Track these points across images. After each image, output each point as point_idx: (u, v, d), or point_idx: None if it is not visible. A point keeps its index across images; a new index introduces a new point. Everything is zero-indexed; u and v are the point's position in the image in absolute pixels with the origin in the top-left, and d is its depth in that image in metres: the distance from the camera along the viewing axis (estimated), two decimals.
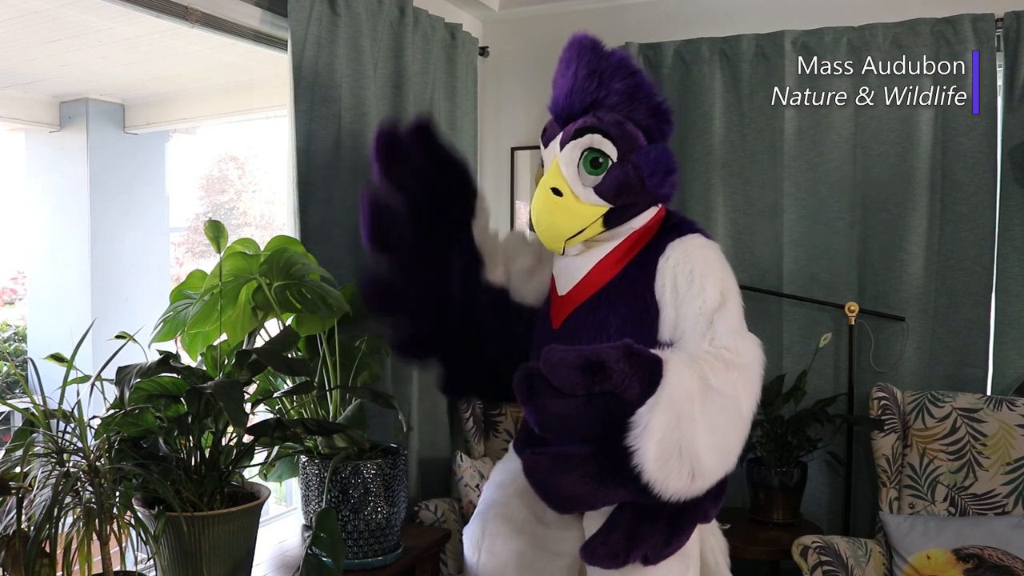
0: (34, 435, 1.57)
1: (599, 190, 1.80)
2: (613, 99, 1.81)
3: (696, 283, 1.75)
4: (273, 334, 1.95)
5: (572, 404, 1.56)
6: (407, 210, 1.99)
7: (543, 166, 1.93)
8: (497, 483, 2.03)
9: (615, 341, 1.73)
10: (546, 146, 1.88)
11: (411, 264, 2.00)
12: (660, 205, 1.91)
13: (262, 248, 2.06)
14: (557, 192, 1.80)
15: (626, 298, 1.83)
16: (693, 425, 1.58)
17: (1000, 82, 2.63)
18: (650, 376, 1.57)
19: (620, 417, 1.57)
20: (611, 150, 1.79)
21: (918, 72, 2.67)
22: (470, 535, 1.99)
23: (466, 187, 2.04)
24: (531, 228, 2.00)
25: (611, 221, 1.83)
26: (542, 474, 1.60)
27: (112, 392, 1.64)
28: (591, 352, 1.56)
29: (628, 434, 1.55)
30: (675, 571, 1.74)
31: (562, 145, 1.81)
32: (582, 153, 1.80)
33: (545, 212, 1.81)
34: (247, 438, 1.78)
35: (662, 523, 1.66)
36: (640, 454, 1.54)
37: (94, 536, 1.49)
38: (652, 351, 1.63)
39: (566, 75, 1.84)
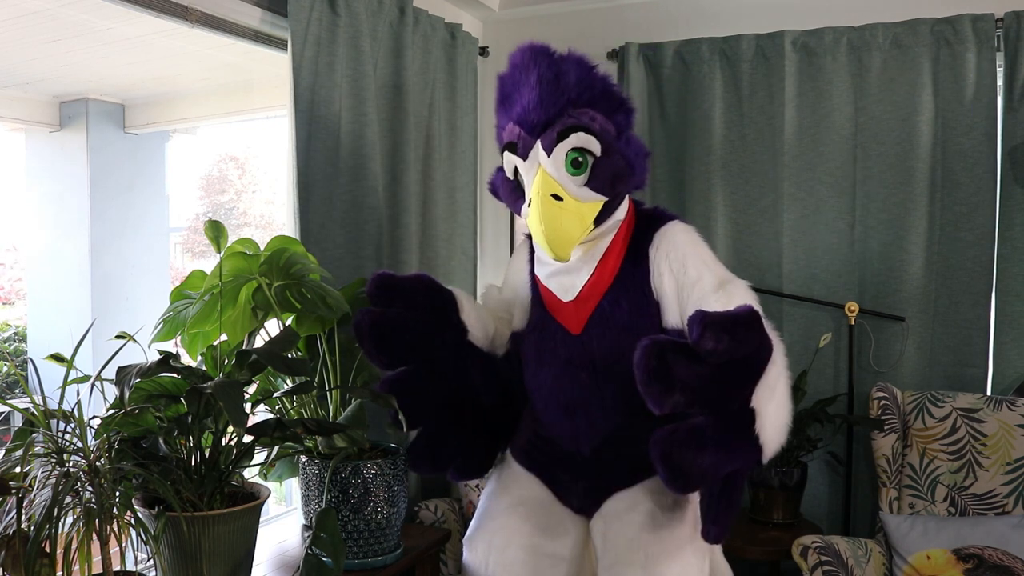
0: (34, 435, 1.57)
1: (593, 185, 1.80)
2: (585, 96, 1.81)
3: (692, 271, 1.82)
4: (273, 334, 1.95)
5: (705, 373, 1.53)
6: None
7: (517, 178, 1.90)
8: (497, 492, 2.02)
9: (623, 335, 1.79)
10: (525, 158, 1.84)
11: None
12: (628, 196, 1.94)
13: (262, 248, 2.06)
14: (558, 198, 1.78)
15: (626, 292, 1.84)
16: (788, 384, 1.67)
17: (1000, 82, 2.63)
18: (766, 338, 1.62)
19: (742, 382, 1.58)
20: (595, 146, 1.80)
21: (918, 72, 2.68)
22: (473, 547, 1.96)
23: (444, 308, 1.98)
24: (529, 238, 2.00)
25: (600, 217, 1.83)
26: (680, 452, 1.53)
27: (112, 392, 1.64)
28: (733, 314, 1.57)
29: (753, 398, 1.58)
30: (695, 563, 1.75)
31: (549, 151, 1.80)
32: (566, 155, 1.79)
33: (553, 220, 1.77)
34: (247, 438, 1.78)
35: (740, 485, 1.72)
36: (763, 417, 1.58)
37: (94, 536, 1.49)
38: None
39: (528, 83, 1.82)
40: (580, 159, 1.79)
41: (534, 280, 2.01)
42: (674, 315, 1.82)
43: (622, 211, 1.90)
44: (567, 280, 1.91)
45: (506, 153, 1.90)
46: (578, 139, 1.78)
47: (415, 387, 1.95)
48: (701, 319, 1.51)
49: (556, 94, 1.80)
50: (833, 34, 2.75)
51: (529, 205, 1.82)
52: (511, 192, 1.93)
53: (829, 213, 2.81)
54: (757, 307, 1.71)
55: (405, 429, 1.85)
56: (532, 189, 1.82)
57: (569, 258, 1.83)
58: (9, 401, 1.70)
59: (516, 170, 1.89)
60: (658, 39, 2.99)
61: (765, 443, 1.60)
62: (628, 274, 1.86)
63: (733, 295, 1.76)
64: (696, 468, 1.55)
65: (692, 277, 1.80)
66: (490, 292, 2.20)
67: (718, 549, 2.03)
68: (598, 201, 1.81)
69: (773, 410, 1.60)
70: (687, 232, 1.89)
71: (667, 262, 1.83)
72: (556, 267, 1.92)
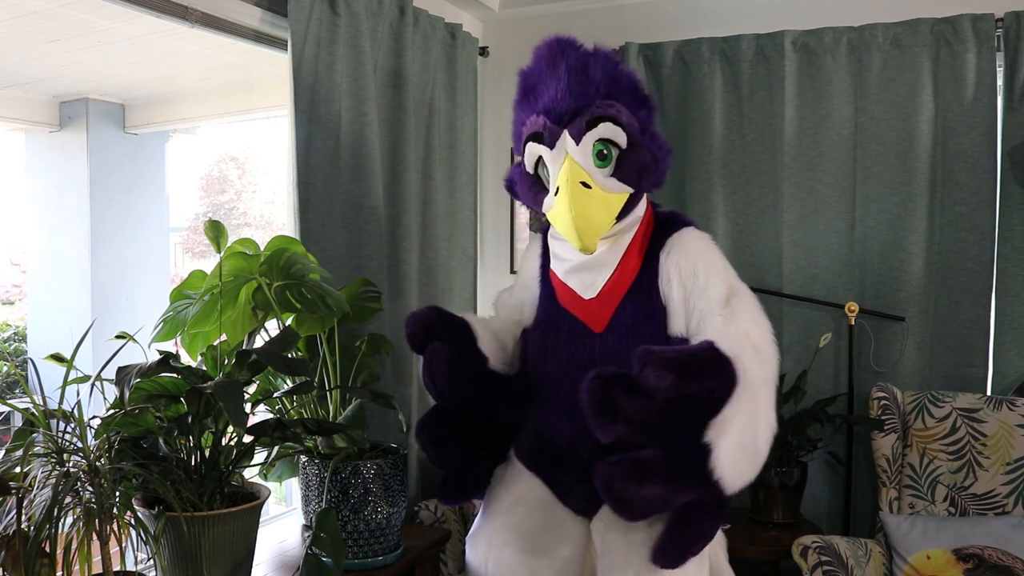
0: (34, 435, 1.57)
1: (621, 176, 1.80)
2: (612, 89, 1.82)
3: (702, 278, 1.78)
4: (273, 334, 1.95)
5: (653, 407, 1.54)
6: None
7: (544, 168, 1.89)
8: (499, 491, 2.02)
9: (626, 337, 1.77)
10: (552, 147, 1.83)
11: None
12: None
13: (262, 248, 2.06)
14: (586, 186, 1.77)
15: (633, 295, 1.83)
16: (755, 419, 1.60)
17: (1000, 82, 2.63)
18: (727, 375, 1.58)
19: (695, 417, 1.56)
20: (621, 138, 1.79)
21: (918, 72, 2.68)
22: (475, 545, 1.96)
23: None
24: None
25: (622, 211, 1.83)
26: (622, 483, 1.56)
27: (112, 392, 1.64)
28: (685, 353, 1.56)
29: (706, 433, 1.55)
30: (692, 571, 1.75)
31: (577, 140, 1.79)
32: (593, 145, 1.79)
33: (583, 208, 1.75)
34: (247, 438, 1.78)
35: (716, 515, 1.70)
36: (717, 452, 1.55)
37: (94, 536, 1.49)
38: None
39: (555, 74, 1.82)
40: (605, 151, 1.79)
41: (544, 276, 2.00)
42: (680, 323, 1.79)
43: (641, 208, 1.90)
44: (588, 277, 1.89)
45: (530, 144, 1.86)
46: (606, 129, 1.78)
47: (444, 429, 1.94)
48: (643, 355, 1.51)
49: (584, 84, 1.80)
50: (833, 34, 2.75)
51: (556, 195, 1.80)
52: (531, 187, 1.91)
53: (829, 213, 2.81)
54: (758, 328, 1.71)
55: (405, 428, 1.84)
56: (560, 178, 1.79)
57: (596, 248, 1.81)
58: (9, 401, 1.70)
59: (537, 164, 1.88)
60: (658, 39, 2.99)
61: (721, 479, 1.56)
62: (639, 277, 1.85)
63: (737, 312, 1.73)
64: (639, 499, 1.56)
65: (701, 286, 1.78)
66: (501, 299, 2.18)
67: (723, 556, 2.02)
68: (624, 192, 1.81)
69: (729, 446, 1.55)
70: (701, 239, 1.86)
71: (676, 269, 1.80)
72: (576, 263, 1.89)
